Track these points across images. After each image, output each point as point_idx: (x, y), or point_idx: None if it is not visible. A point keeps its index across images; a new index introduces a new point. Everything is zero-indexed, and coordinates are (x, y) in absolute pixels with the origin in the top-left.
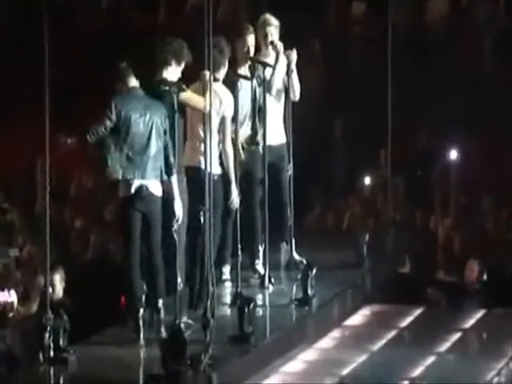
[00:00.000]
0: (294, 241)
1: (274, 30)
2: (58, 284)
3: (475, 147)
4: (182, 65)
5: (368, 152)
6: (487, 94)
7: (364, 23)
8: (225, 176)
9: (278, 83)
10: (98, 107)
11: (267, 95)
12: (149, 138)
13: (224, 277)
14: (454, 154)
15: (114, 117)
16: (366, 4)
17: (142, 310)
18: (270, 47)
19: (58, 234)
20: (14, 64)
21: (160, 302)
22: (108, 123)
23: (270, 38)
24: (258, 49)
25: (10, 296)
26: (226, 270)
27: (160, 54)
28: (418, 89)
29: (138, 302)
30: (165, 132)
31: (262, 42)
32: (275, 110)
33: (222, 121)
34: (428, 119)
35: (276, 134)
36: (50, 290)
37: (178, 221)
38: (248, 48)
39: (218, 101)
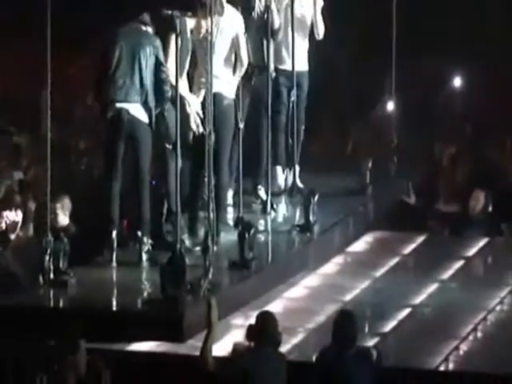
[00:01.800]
0: (297, 167)
1: None
2: (61, 213)
3: (481, 75)
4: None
5: (375, 79)
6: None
7: None
8: (236, 102)
9: (298, 12)
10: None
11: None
12: (133, 64)
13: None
14: (459, 81)
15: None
16: None
17: (114, 232)
18: None
19: (63, 158)
20: None
21: (139, 232)
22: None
23: None
24: None
25: (16, 216)
26: (229, 194)
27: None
28: (422, 15)
29: (112, 224)
30: (159, 63)
31: None
32: (297, 37)
33: (236, 38)
34: (433, 44)
35: (296, 60)
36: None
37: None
38: None
39: (225, 21)
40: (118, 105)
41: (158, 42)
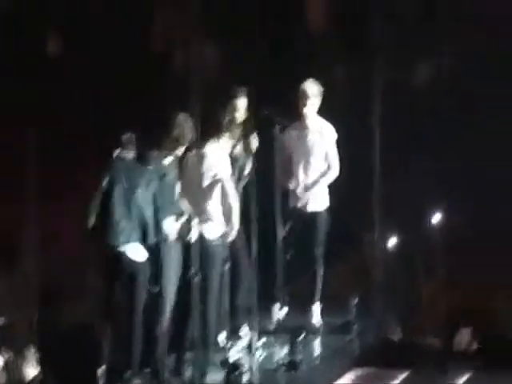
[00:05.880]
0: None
1: (309, 102)
2: (25, 365)
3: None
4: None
5: (360, 214)
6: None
7: None
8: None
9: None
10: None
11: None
12: (130, 205)
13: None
14: (441, 217)
15: (102, 186)
16: None
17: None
18: (308, 118)
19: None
20: None
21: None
22: (98, 195)
23: (305, 110)
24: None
25: None
26: (218, 335)
27: (171, 138)
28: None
29: (100, 364)
30: (155, 199)
31: (301, 110)
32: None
33: (219, 181)
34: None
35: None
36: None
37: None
38: (234, 112)
39: (206, 164)
40: (120, 248)
41: (154, 176)
